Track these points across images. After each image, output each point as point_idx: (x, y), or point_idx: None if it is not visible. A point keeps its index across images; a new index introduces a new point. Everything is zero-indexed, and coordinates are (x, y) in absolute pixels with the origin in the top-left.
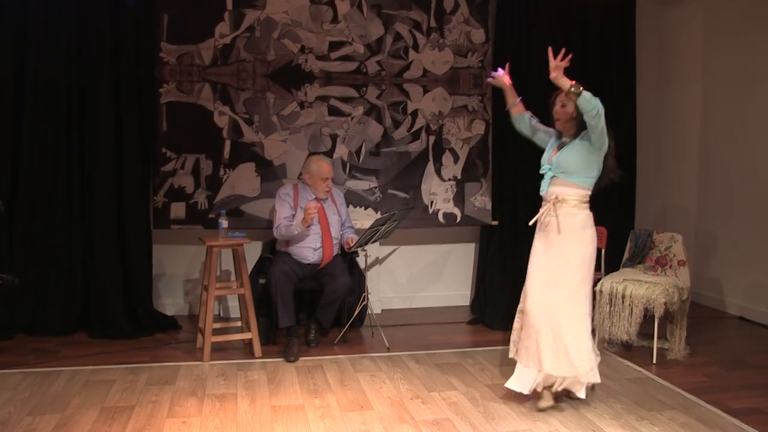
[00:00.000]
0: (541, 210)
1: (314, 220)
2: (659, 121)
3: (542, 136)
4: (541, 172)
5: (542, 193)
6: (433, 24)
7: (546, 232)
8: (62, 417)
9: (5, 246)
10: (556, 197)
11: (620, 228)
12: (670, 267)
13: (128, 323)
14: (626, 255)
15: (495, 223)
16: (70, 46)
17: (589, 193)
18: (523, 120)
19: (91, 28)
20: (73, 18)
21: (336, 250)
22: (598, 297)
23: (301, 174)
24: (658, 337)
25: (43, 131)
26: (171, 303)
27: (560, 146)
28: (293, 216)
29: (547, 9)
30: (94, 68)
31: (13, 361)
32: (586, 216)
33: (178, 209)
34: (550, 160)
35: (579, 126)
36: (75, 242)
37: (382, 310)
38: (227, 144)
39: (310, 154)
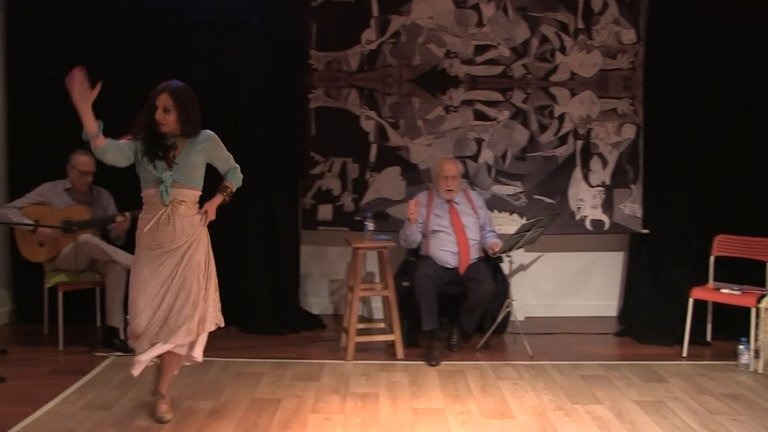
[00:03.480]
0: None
1: (448, 224)
2: None
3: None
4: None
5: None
6: (580, 25)
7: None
8: (216, 404)
9: None
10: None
11: None
12: None
13: (276, 320)
14: None
15: (646, 231)
16: (224, 55)
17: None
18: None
19: (244, 38)
20: (228, 29)
21: (475, 253)
22: (763, 315)
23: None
24: None
25: None
26: (317, 302)
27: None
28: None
29: (710, 4)
30: (246, 75)
31: None
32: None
33: (325, 211)
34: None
35: (185, 127)
36: (229, 241)
37: (526, 318)
38: (373, 148)
39: None
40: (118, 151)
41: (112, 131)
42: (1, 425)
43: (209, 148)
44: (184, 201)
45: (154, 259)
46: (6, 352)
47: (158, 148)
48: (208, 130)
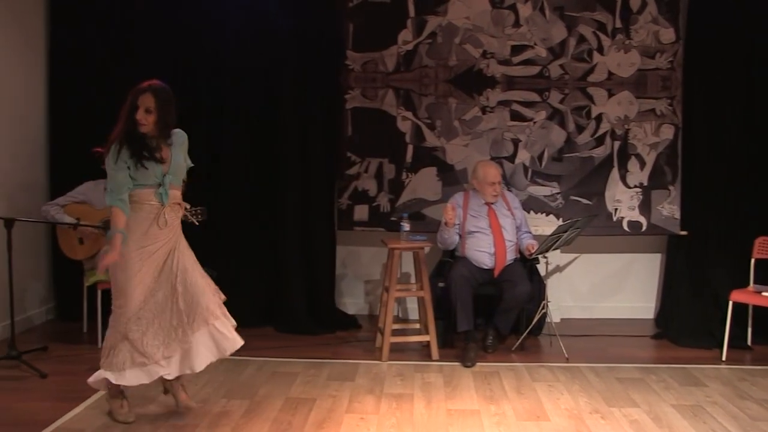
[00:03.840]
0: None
1: (485, 225)
2: None
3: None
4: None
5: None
6: (618, 25)
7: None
8: (251, 403)
9: (211, 243)
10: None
11: None
12: None
13: (311, 320)
14: None
15: (684, 233)
16: (262, 56)
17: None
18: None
19: (281, 39)
20: (264, 30)
21: (511, 254)
22: None
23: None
24: None
25: (237, 136)
26: (352, 302)
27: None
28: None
29: (750, 2)
30: (283, 76)
31: None
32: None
33: (361, 211)
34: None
35: (162, 129)
36: (266, 241)
37: (561, 319)
38: (410, 148)
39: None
40: (128, 189)
41: None
42: (43, 420)
43: (185, 147)
44: (182, 202)
45: (147, 256)
46: (46, 349)
47: (143, 148)
48: (179, 129)
